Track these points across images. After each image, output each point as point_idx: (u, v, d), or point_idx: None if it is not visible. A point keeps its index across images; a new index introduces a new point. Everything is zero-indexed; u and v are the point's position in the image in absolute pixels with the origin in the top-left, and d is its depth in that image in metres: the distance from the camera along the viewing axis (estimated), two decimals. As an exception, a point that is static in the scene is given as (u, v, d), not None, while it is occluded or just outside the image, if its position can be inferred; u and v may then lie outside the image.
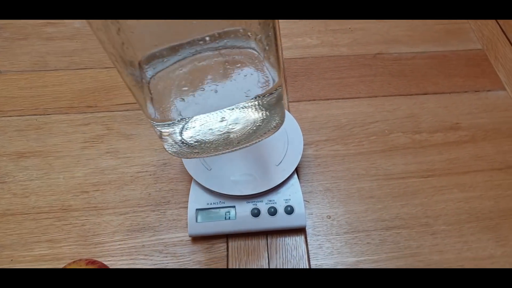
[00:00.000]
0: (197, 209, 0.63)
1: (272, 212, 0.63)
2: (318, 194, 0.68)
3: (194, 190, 0.65)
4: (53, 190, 0.68)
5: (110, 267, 0.59)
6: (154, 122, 0.48)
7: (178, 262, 0.62)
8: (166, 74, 0.43)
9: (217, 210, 0.63)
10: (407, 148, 0.73)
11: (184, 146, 0.52)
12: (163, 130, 0.49)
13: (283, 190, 0.65)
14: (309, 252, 0.63)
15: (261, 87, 0.48)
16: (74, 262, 0.56)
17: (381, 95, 0.80)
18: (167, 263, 0.62)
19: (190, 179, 0.66)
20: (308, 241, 0.64)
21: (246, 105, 0.49)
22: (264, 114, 0.52)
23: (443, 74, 0.84)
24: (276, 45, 0.44)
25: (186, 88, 0.45)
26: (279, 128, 0.55)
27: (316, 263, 0.62)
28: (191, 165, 0.65)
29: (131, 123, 0.76)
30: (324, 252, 0.63)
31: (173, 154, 0.54)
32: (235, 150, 0.55)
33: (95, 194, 0.68)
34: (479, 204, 0.67)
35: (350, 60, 0.86)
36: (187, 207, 0.63)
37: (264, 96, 0.49)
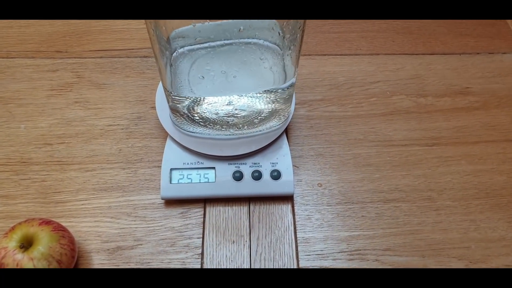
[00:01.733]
0: (171, 169, 0.57)
1: (257, 176, 0.56)
2: (309, 159, 0.62)
3: (169, 148, 0.58)
4: (12, 140, 0.62)
5: (70, 229, 0.53)
6: (168, 93, 0.51)
7: (148, 227, 0.55)
8: (190, 52, 0.47)
9: (195, 171, 0.57)
10: (411, 113, 0.66)
11: (189, 120, 0.54)
12: (174, 101, 0.52)
13: (270, 152, 0.59)
14: (296, 223, 0.56)
15: (275, 82, 0.50)
16: (26, 221, 0.49)
17: (383, 52, 0.73)
18: (136, 227, 0.55)
19: (166, 135, 0.59)
20: (296, 210, 0.57)
21: (256, 95, 0.52)
22: (270, 107, 0.54)
23: (453, 33, 0.76)
24: (300, 46, 0.47)
25: (208, 68, 0.47)
26: (283, 126, 0.58)
27: (303, 236, 0.55)
28: (167, 120, 0.58)
29: (104, 71, 0.69)
30: (312, 224, 0.56)
31: (177, 125, 0.56)
32: (236, 137, 0.57)
33: (60, 147, 0.61)
34: (489, 179, 0.60)
35: (352, 14, 0.78)
36: (160, 166, 0.57)
37: (275, 90, 0.51)
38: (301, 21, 0.44)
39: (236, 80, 0.49)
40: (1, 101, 0.65)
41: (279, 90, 0.52)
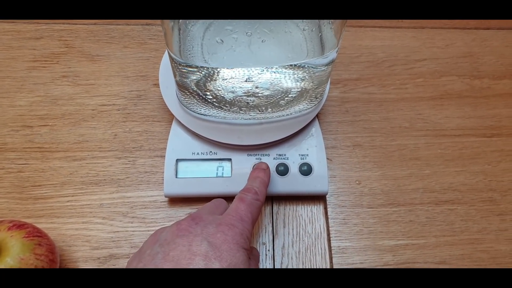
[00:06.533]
0: (178, 160, 0.48)
1: (282, 170, 0.48)
2: (345, 150, 0.52)
3: (175, 134, 0.50)
4: (-16, 121, 0.53)
5: (53, 232, 0.45)
6: (176, 63, 0.42)
7: (148, 230, 0.47)
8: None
9: (206, 162, 0.49)
10: (464, 97, 0.57)
11: (200, 100, 0.46)
12: (182, 74, 0.43)
13: (298, 142, 0.50)
14: (330, 228, 0.48)
15: (308, 55, 0.42)
16: (-8, 224, 0.39)
17: (429, 26, 0.63)
18: (133, 231, 0.47)
19: (171, 118, 0.51)
20: (329, 213, 0.48)
21: (282, 70, 0.43)
22: (300, 86, 0.45)
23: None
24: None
25: (230, 27, 0.38)
26: (316, 109, 0.49)
27: (338, 245, 0.46)
28: (174, 100, 0.49)
29: (98, 40, 0.59)
30: (350, 231, 0.48)
31: (185, 106, 0.48)
32: (257, 122, 0.48)
33: (42, 131, 0.52)
34: None
35: (390, -20, 0.67)
36: (164, 156, 0.49)
37: (308, 66, 0.43)
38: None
39: (259, 50, 0.39)
40: (-28, 73, 0.56)
41: (314, 67, 0.42)
